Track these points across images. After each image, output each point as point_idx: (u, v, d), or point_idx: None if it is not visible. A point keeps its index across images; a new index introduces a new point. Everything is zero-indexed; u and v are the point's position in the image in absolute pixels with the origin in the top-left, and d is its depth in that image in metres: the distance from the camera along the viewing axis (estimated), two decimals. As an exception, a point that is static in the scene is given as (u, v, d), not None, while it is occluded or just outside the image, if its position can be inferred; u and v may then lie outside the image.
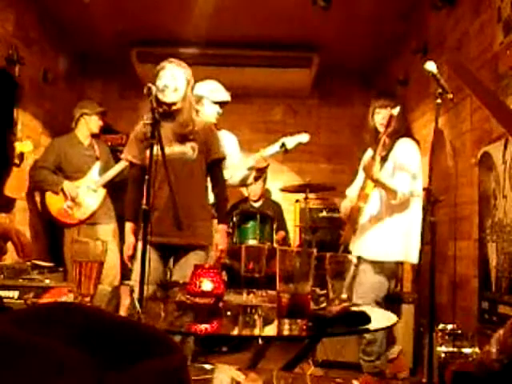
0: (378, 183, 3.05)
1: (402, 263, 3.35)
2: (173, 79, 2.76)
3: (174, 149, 2.75)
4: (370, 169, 2.98)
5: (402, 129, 3.22)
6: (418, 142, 3.29)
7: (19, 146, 3.82)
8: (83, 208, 4.22)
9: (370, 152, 3.30)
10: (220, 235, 2.89)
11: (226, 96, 3.57)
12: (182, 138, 2.79)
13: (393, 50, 4.88)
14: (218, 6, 4.09)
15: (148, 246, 2.75)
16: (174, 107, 2.79)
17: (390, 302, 3.28)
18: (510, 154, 2.74)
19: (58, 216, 4.23)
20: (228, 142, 3.62)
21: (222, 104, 3.54)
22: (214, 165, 2.91)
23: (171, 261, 2.88)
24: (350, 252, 3.23)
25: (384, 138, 3.07)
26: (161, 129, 2.74)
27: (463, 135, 3.41)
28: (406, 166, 3.09)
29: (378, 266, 3.12)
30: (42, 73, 4.56)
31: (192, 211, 2.76)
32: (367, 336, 3.06)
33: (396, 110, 3.00)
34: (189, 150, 2.80)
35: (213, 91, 3.53)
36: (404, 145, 3.19)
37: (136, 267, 2.74)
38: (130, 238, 2.82)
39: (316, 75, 5.25)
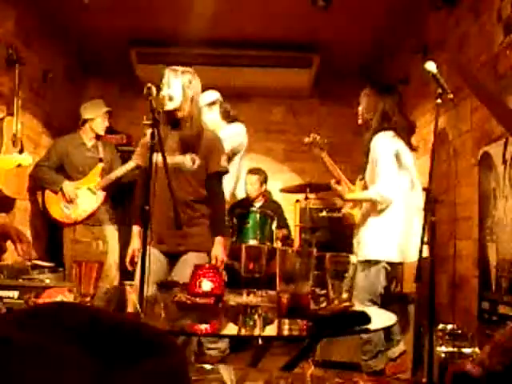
0: (353, 201, 3.30)
1: (400, 263, 3.29)
2: (167, 88, 2.79)
3: (173, 158, 2.73)
4: (340, 193, 3.23)
5: (385, 124, 3.09)
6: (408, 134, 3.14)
7: (18, 160, 3.81)
8: (80, 210, 4.22)
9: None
10: (219, 247, 2.83)
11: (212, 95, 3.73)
12: (185, 148, 2.80)
13: (393, 49, 4.88)
14: (217, 6, 4.08)
15: (152, 248, 2.78)
16: (178, 115, 2.80)
17: (392, 301, 3.27)
18: (510, 154, 2.74)
19: (55, 215, 4.24)
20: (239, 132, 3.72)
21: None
22: (212, 177, 2.90)
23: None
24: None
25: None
26: (168, 137, 2.80)
27: (463, 135, 3.41)
28: (378, 165, 3.03)
29: (366, 267, 3.07)
30: (41, 73, 4.56)
31: (188, 221, 2.74)
32: (363, 336, 3.06)
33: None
34: (188, 161, 2.80)
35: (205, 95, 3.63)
36: (376, 141, 3.08)
37: (138, 268, 2.75)
38: (134, 243, 2.83)
39: (316, 75, 5.24)
